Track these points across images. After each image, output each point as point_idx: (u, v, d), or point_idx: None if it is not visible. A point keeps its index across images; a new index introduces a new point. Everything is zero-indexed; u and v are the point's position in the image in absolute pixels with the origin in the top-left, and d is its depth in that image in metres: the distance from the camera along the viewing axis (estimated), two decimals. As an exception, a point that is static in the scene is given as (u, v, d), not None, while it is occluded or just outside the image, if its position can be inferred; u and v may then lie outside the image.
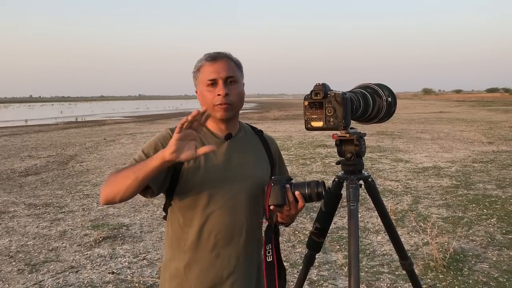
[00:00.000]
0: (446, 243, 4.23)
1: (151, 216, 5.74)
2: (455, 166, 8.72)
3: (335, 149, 1.88)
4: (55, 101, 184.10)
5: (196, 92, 1.66)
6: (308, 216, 5.44)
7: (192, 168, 1.57)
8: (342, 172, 1.88)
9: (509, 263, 3.95)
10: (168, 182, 1.57)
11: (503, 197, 6.17)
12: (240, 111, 1.69)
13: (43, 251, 4.57)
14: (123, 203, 6.29)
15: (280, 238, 2.91)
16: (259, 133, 1.81)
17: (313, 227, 1.99)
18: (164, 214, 1.69)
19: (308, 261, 2.07)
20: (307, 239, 4.65)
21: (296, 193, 1.53)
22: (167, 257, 1.67)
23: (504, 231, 4.77)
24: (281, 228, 1.74)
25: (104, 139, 16.04)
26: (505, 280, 3.64)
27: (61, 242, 4.82)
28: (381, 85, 1.99)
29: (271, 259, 1.62)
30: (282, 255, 1.73)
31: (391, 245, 4.43)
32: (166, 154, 1.35)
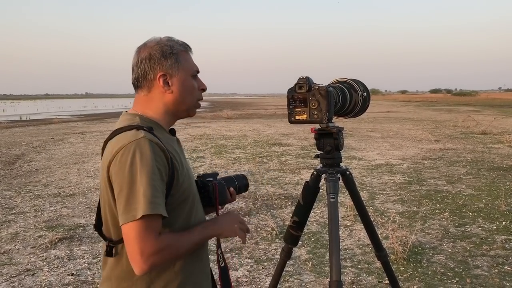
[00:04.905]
0: (404, 237, 4.36)
1: (109, 216, 5.57)
2: (406, 163, 9.02)
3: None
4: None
5: (164, 75, 1.41)
6: (269, 213, 5.47)
7: (182, 176, 1.40)
8: (321, 165, 1.91)
9: (463, 254, 4.13)
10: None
11: (453, 192, 6.44)
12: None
13: (-5, 254, 4.35)
14: (77, 203, 6.11)
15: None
16: None
17: (291, 220, 2.01)
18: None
19: (286, 255, 2.08)
20: (269, 235, 4.68)
21: (231, 189, 1.64)
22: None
23: (456, 224, 4.99)
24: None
25: (52, 138, 15.43)
26: (461, 270, 3.80)
27: (13, 245, 4.60)
28: (356, 80, 2.03)
29: (223, 264, 1.56)
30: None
31: (352, 239, 4.58)
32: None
